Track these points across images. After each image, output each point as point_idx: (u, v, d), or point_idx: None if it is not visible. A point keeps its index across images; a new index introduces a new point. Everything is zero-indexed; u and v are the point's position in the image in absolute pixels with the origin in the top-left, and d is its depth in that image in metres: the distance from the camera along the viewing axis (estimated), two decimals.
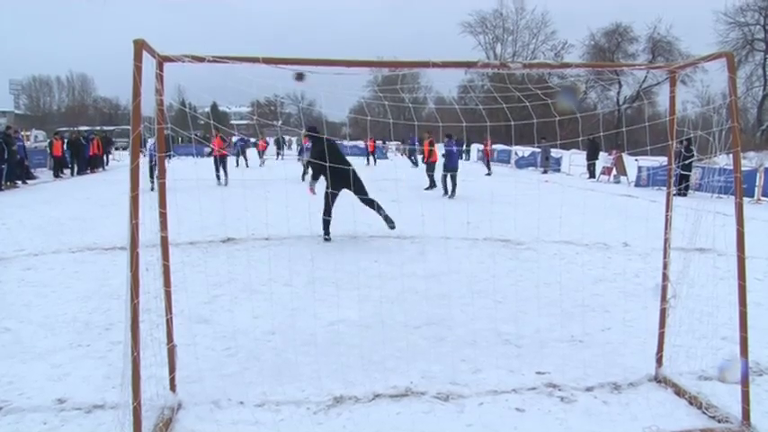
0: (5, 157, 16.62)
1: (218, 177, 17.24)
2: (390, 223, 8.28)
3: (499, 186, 16.09)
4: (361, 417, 3.28)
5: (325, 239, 8.47)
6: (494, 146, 33.68)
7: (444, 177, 15.10)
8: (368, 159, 29.23)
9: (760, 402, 3.34)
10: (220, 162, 17.30)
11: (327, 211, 8.25)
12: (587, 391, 3.62)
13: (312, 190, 8.52)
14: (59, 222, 10.27)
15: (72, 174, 22.36)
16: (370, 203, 8.40)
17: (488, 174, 23.44)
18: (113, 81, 72.72)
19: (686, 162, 13.83)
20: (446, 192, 14.98)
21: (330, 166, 7.19)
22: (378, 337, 4.41)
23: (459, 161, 16.36)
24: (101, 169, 25.55)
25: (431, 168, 16.43)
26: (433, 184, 16.28)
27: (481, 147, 34.83)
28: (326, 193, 7.73)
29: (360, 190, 8.36)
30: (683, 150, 13.53)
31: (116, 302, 5.27)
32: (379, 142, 38.54)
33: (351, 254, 7.49)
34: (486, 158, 25.64)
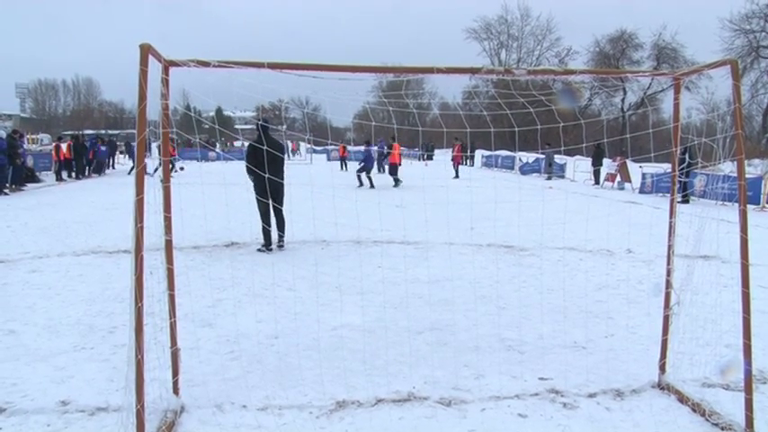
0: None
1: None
2: (267, 247, 8.17)
3: (503, 192, 16.10)
4: (363, 421, 3.28)
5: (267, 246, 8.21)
6: (498, 152, 33.66)
7: (362, 173, 18.35)
8: (341, 164, 29.25)
9: (763, 410, 3.33)
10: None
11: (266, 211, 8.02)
12: (590, 398, 3.61)
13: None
14: (64, 225, 10.33)
15: (77, 177, 22.49)
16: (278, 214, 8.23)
17: (456, 177, 23.96)
18: (119, 85, 73.45)
19: (682, 168, 13.83)
20: (362, 184, 18.16)
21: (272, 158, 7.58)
22: (381, 342, 4.41)
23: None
24: (104, 173, 25.67)
25: (394, 170, 19.34)
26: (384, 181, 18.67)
27: (487, 153, 34.85)
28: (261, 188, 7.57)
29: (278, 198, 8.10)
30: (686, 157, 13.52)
31: (120, 305, 5.31)
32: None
33: (354, 259, 7.50)
34: (456, 163, 25.44)
